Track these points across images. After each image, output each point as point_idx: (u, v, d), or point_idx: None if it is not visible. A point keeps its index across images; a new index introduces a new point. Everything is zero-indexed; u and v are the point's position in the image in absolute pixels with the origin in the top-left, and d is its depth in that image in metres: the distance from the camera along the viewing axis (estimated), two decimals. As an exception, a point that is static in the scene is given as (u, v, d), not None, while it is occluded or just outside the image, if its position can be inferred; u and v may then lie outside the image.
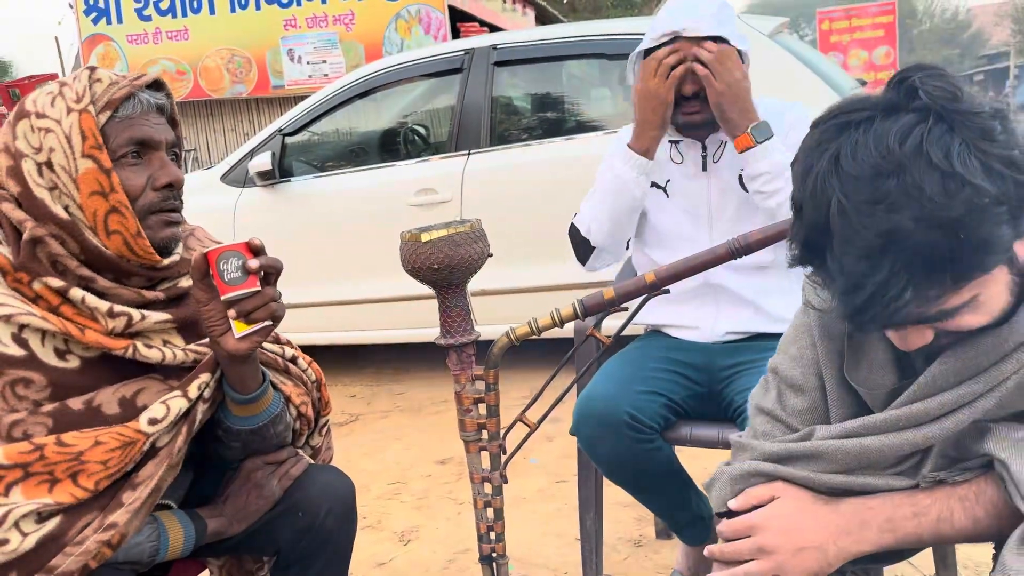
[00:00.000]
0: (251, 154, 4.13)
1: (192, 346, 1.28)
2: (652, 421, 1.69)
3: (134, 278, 1.24)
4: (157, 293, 1.26)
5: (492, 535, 1.61)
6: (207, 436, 1.32)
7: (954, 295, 0.86)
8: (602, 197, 1.85)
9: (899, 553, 1.05)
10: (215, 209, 4.04)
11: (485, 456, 1.58)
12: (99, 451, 1.14)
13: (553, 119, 4.21)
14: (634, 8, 22.30)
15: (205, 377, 1.23)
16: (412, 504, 2.76)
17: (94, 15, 10.73)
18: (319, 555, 1.38)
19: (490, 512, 1.60)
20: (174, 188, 1.25)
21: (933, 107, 0.84)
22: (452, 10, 10.03)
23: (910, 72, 0.87)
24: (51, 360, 1.17)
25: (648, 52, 1.78)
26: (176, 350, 1.25)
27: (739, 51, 1.75)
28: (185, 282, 1.29)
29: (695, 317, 1.87)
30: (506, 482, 1.59)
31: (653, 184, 1.89)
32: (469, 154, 3.83)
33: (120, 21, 10.67)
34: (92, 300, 1.19)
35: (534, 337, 1.48)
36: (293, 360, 1.41)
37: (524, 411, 1.55)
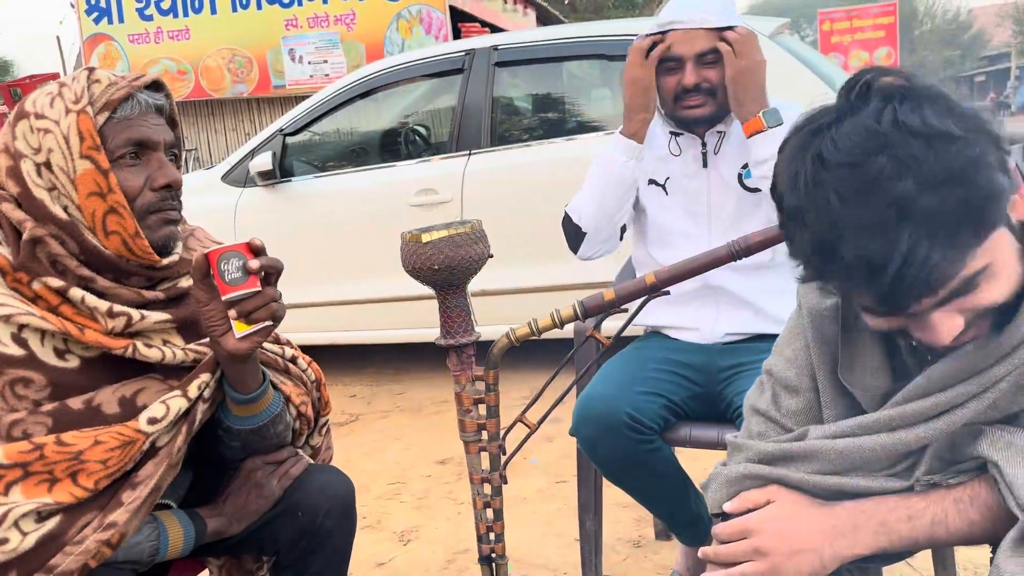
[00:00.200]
0: (252, 154, 4.13)
1: (192, 346, 1.28)
2: (652, 422, 1.69)
3: (134, 278, 1.25)
4: (157, 293, 1.26)
5: (492, 535, 1.61)
6: (207, 436, 1.32)
7: (972, 261, 0.85)
8: (592, 181, 1.89)
9: (897, 554, 1.05)
10: (216, 209, 4.05)
11: (485, 456, 1.58)
12: (99, 450, 1.14)
13: (554, 120, 4.21)
14: (635, 8, 22.30)
15: (205, 377, 1.23)
16: (412, 504, 2.76)
17: (95, 15, 10.72)
18: (319, 555, 1.38)
19: (490, 512, 1.60)
20: (172, 189, 1.25)
21: (893, 91, 0.86)
22: (453, 10, 10.03)
23: (859, 75, 0.90)
24: (51, 360, 1.17)
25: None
26: (176, 350, 1.25)
27: None
28: (185, 282, 1.29)
29: (695, 318, 1.88)
30: (506, 482, 1.59)
31: (653, 182, 1.90)
32: (470, 154, 3.82)
33: (121, 21, 10.66)
34: (92, 300, 1.19)
35: (534, 338, 1.48)
36: (293, 360, 1.41)
37: (524, 412, 1.55)
